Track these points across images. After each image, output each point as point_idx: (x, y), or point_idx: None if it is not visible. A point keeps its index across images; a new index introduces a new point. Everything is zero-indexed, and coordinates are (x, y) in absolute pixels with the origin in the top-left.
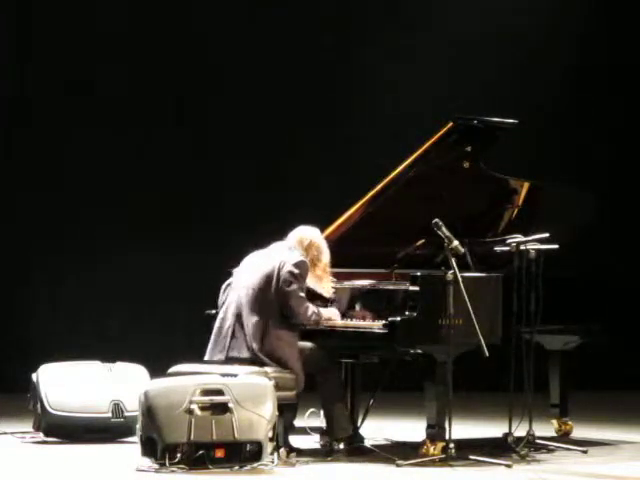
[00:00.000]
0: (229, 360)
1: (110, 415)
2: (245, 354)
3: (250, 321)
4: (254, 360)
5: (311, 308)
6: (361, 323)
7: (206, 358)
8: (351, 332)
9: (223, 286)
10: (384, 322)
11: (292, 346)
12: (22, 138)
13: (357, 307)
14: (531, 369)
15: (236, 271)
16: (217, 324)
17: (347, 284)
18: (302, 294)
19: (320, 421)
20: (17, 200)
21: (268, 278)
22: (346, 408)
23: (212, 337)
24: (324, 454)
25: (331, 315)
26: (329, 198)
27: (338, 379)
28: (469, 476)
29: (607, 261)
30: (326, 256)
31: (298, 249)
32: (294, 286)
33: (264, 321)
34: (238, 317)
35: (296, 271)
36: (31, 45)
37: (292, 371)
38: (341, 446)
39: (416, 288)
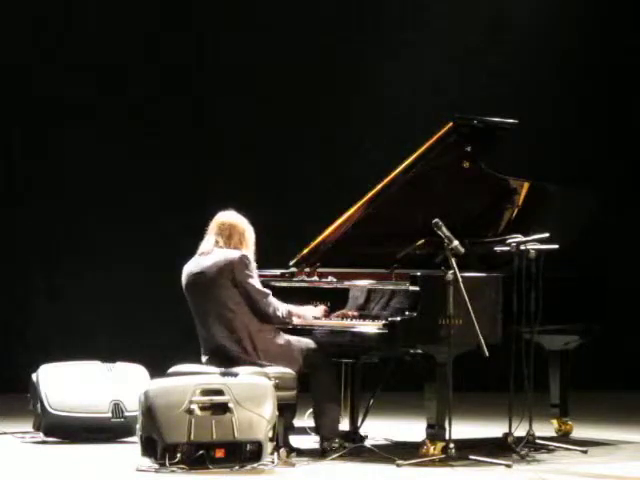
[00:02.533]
0: (220, 362)
1: (110, 415)
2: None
3: (218, 326)
4: (242, 358)
5: (274, 303)
6: (339, 322)
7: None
8: (348, 332)
9: None
10: (384, 322)
11: (271, 333)
12: (19, 138)
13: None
14: (531, 369)
15: (183, 285)
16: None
17: (347, 284)
18: (260, 287)
19: None
20: (17, 199)
21: (217, 282)
22: (339, 409)
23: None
24: (324, 454)
25: (304, 313)
26: (328, 198)
27: (332, 379)
28: (469, 476)
29: (607, 261)
30: (250, 235)
31: (221, 240)
32: (248, 281)
33: (232, 322)
34: (212, 329)
35: (242, 266)
36: None
37: (285, 361)
38: (333, 446)
39: (416, 288)
